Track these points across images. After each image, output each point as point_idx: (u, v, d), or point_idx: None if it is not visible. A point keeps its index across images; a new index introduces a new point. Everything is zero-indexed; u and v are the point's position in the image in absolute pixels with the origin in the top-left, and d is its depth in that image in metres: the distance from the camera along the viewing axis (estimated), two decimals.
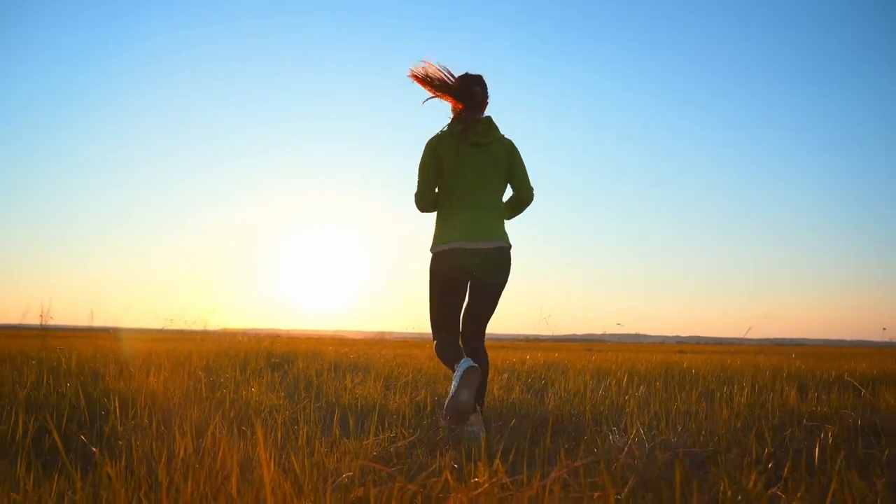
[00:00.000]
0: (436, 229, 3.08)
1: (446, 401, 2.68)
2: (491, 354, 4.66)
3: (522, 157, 3.12)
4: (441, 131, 3.07)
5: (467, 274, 2.98)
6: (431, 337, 3.10)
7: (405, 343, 16.27)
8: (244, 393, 3.48)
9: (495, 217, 3.02)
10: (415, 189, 3.11)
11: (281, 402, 3.33)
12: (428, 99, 3.08)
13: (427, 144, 3.07)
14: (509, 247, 3.03)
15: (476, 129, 3.02)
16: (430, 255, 3.07)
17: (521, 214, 3.24)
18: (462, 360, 2.73)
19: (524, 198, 3.15)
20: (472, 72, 3.11)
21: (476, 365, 2.70)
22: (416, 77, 3.06)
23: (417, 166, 3.09)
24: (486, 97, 3.11)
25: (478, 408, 2.79)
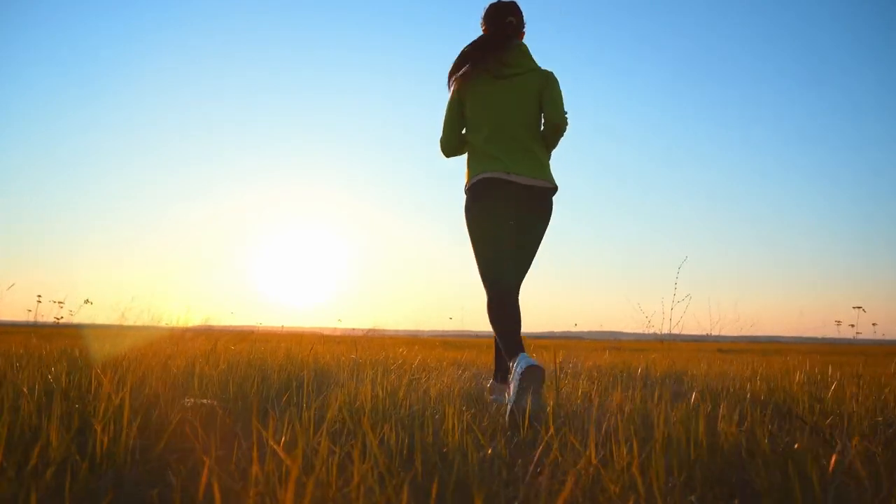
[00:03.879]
0: (467, 169, 2.70)
1: (507, 406, 2.14)
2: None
3: (561, 87, 2.70)
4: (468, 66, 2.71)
5: (506, 208, 2.56)
6: (485, 290, 2.58)
7: (417, 341, 12.32)
8: None
9: (534, 153, 2.62)
10: (440, 134, 2.81)
11: None
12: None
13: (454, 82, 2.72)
14: (552, 188, 2.63)
15: (503, 60, 2.66)
16: (463, 196, 2.71)
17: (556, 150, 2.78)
18: (520, 357, 2.22)
19: (556, 124, 2.64)
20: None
21: (538, 364, 2.15)
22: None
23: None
24: (522, 25, 2.78)
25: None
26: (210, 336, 8.61)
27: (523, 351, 2.32)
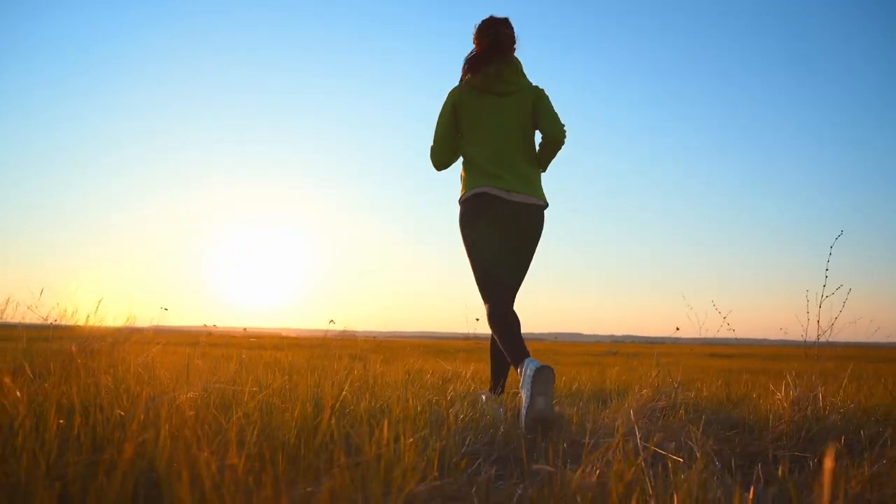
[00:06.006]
0: (463, 182, 2.67)
1: (521, 412, 2.12)
2: None
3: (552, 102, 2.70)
4: (460, 82, 2.70)
5: (502, 223, 2.58)
6: (483, 301, 2.61)
7: (411, 344, 10.16)
8: None
9: (529, 171, 2.65)
10: (431, 144, 2.75)
11: None
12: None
13: (448, 95, 2.70)
14: (544, 205, 2.66)
15: (501, 77, 2.63)
16: (458, 208, 2.68)
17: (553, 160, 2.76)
18: (527, 361, 2.20)
19: (555, 136, 2.63)
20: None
21: (548, 366, 2.12)
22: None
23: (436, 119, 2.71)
24: (514, 41, 2.71)
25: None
26: (142, 341, 6.15)
27: (528, 356, 2.31)
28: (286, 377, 2.18)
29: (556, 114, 2.68)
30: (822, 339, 4.75)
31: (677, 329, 4.45)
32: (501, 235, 2.59)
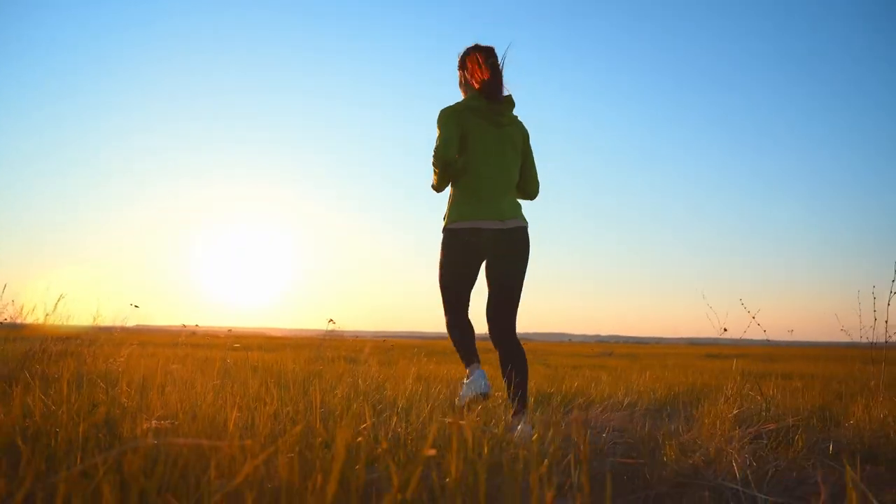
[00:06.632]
0: (452, 206, 2.74)
1: (459, 394, 2.56)
2: None
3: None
4: (458, 103, 2.73)
5: (484, 255, 2.70)
6: (444, 313, 2.76)
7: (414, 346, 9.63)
8: None
9: (514, 198, 2.79)
10: (432, 154, 2.70)
11: None
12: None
13: (444, 111, 2.71)
14: (527, 225, 2.77)
15: (499, 109, 2.74)
16: (441, 232, 2.76)
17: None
18: (479, 373, 2.49)
19: (530, 192, 2.89)
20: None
21: (488, 392, 2.44)
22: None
23: (436, 126, 2.69)
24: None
25: (522, 406, 2.50)
26: (113, 342, 5.54)
27: (478, 361, 2.58)
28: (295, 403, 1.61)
29: (535, 167, 2.87)
30: (877, 340, 4.22)
31: (724, 330, 3.98)
32: (478, 267, 2.71)
